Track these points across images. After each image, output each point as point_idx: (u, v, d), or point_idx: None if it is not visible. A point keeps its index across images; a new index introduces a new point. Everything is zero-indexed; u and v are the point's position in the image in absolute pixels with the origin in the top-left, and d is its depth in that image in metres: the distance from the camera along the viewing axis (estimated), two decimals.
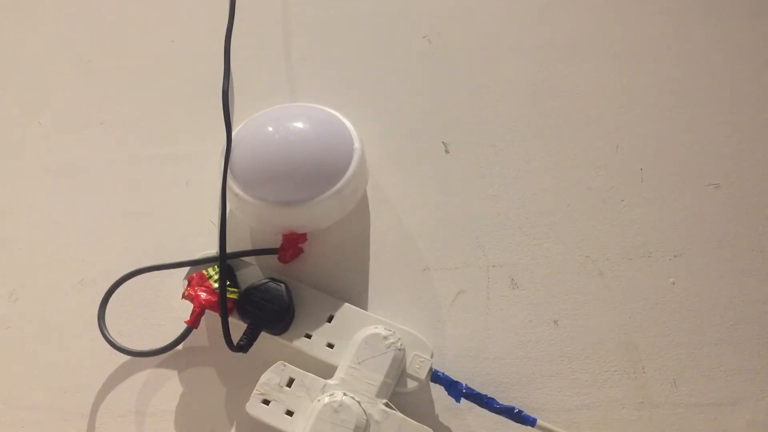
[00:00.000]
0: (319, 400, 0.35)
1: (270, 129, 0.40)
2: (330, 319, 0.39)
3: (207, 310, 0.38)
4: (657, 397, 0.38)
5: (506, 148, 0.45)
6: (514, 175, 0.44)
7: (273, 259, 0.41)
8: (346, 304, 0.39)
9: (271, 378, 0.36)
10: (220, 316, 0.37)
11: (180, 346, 0.39)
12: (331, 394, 0.35)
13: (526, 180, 0.44)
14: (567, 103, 0.46)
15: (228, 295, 0.38)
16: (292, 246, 0.41)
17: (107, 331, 0.39)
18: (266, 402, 0.36)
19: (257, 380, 0.36)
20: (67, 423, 0.39)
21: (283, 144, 0.39)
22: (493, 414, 0.36)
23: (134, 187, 0.45)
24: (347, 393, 0.35)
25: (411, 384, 0.36)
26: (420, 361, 0.37)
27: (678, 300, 0.40)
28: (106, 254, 0.43)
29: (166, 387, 0.40)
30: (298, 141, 0.40)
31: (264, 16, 0.51)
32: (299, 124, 0.41)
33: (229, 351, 0.37)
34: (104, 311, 0.39)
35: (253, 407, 0.36)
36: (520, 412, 0.35)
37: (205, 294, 0.38)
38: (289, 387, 0.36)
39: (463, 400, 0.36)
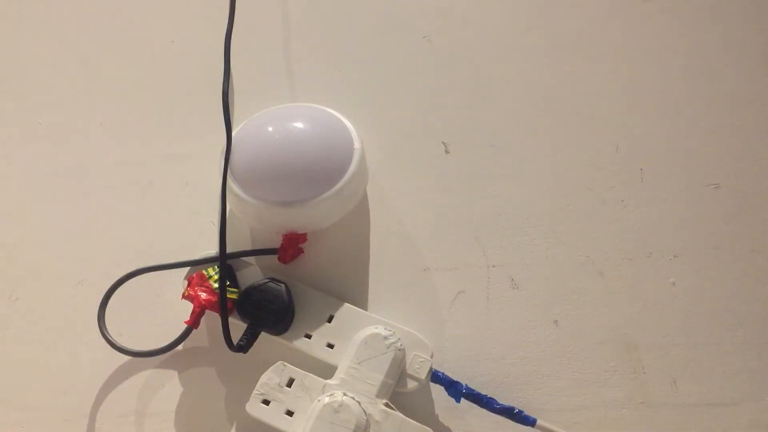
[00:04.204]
0: (319, 400, 0.35)
1: (270, 129, 0.40)
2: (330, 319, 0.39)
3: (207, 310, 0.38)
4: (657, 397, 0.38)
5: (506, 148, 0.45)
6: (514, 175, 0.44)
7: (273, 259, 0.41)
8: (346, 304, 0.39)
9: (271, 378, 0.36)
10: (220, 316, 0.37)
11: (180, 346, 0.39)
12: (331, 394, 0.35)
13: (526, 180, 0.44)
14: (567, 103, 0.46)
15: (228, 295, 0.38)
16: (292, 246, 0.41)
17: (107, 331, 0.39)
18: (266, 402, 0.36)
19: (257, 380, 0.36)
20: (67, 423, 0.39)
21: (283, 144, 0.39)
22: (493, 414, 0.36)
23: (134, 187, 0.45)
24: (347, 393, 0.35)
25: (411, 384, 0.36)
26: (420, 361, 0.37)
27: (678, 300, 0.40)
28: (106, 254, 0.43)
29: (166, 387, 0.40)
30: (298, 141, 0.40)
31: (264, 16, 0.51)
32: (299, 124, 0.41)
33: (229, 351, 0.37)
34: (104, 311, 0.39)
35: (253, 407, 0.36)
36: (520, 412, 0.35)
37: (205, 294, 0.38)
38: (289, 387, 0.36)
39: (463, 400, 0.36)
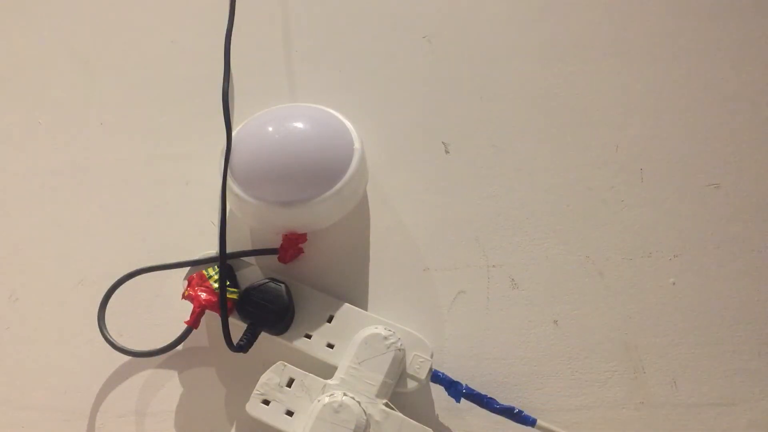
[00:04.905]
0: (319, 401, 0.35)
1: (270, 129, 0.40)
2: (330, 319, 0.39)
3: (207, 310, 0.38)
4: (657, 397, 0.38)
5: (506, 148, 0.45)
6: (514, 175, 0.44)
7: (273, 259, 0.41)
8: (346, 304, 0.39)
9: (271, 378, 0.36)
10: (220, 316, 0.37)
11: (180, 346, 0.39)
12: (331, 394, 0.35)
13: (526, 180, 0.44)
14: (567, 103, 0.46)
15: (228, 295, 0.38)
16: (292, 246, 0.41)
17: (107, 331, 0.39)
18: (266, 402, 0.36)
19: (257, 380, 0.36)
20: (67, 423, 0.39)
21: (283, 144, 0.39)
22: (493, 414, 0.36)
23: (134, 187, 0.45)
24: (347, 393, 0.35)
25: (411, 384, 0.36)
26: (420, 361, 0.37)
27: (678, 300, 0.40)
28: (106, 254, 0.43)
29: (166, 387, 0.40)
30: (298, 141, 0.40)
31: (264, 16, 0.51)
32: (299, 124, 0.41)
33: (229, 351, 0.37)
34: (104, 312, 0.39)
35: (253, 407, 0.36)
36: (520, 412, 0.35)
37: (205, 294, 0.38)
38: (289, 387, 0.36)
39: (463, 400, 0.36)
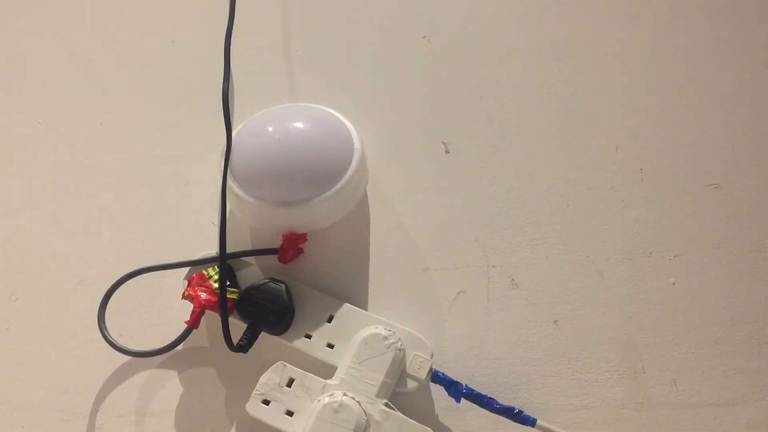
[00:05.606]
0: (319, 401, 0.35)
1: (270, 129, 0.40)
2: (330, 319, 0.39)
3: (207, 310, 0.38)
4: (657, 397, 0.38)
5: (506, 148, 0.45)
6: (514, 175, 0.44)
7: (273, 259, 0.41)
8: (346, 304, 0.39)
9: (271, 378, 0.36)
10: (220, 316, 0.37)
11: (180, 346, 0.39)
12: (331, 394, 0.35)
13: (526, 180, 0.44)
14: (567, 103, 0.46)
15: (228, 295, 0.38)
16: (292, 246, 0.41)
17: (107, 331, 0.39)
18: (266, 402, 0.36)
19: (257, 380, 0.36)
20: (67, 423, 0.39)
21: (283, 144, 0.39)
22: (493, 414, 0.36)
23: (134, 187, 0.45)
24: (347, 393, 0.35)
25: (411, 384, 0.36)
26: (420, 361, 0.37)
27: (678, 300, 0.40)
28: (106, 254, 0.43)
29: (166, 387, 0.40)
30: (298, 141, 0.40)
31: (264, 16, 0.51)
32: (299, 124, 0.41)
33: (229, 351, 0.37)
34: (104, 312, 0.39)
35: (253, 407, 0.36)
36: (520, 412, 0.36)
37: (205, 294, 0.38)
38: (289, 387, 0.36)
39: (463, 400, 0.36)
